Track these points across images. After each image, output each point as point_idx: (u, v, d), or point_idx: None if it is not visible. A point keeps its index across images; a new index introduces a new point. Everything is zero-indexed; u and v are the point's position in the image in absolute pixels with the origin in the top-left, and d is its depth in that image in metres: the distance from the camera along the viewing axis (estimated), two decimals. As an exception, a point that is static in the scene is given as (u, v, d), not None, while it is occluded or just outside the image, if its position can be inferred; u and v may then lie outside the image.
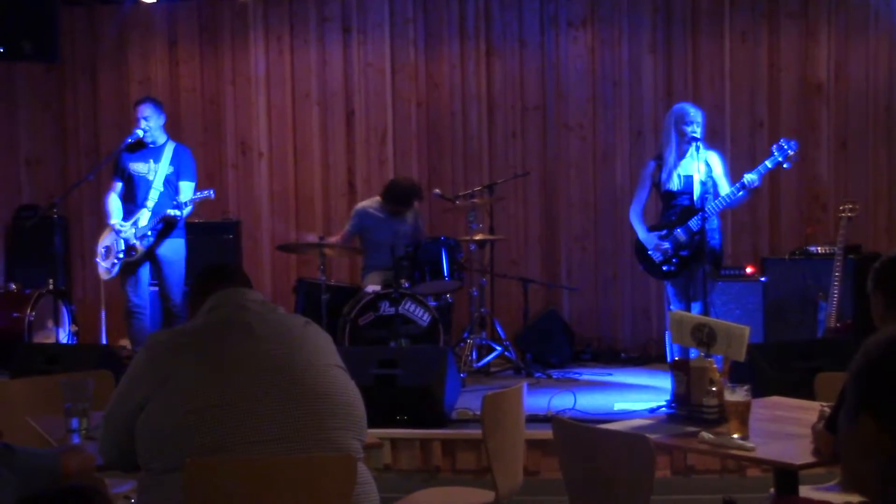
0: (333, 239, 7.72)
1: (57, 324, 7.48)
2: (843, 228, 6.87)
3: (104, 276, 7.26)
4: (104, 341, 8.43)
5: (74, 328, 8.06)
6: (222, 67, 9.12)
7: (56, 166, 9.34)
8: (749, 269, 7.71)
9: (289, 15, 9.02)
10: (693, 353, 3.93)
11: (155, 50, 9.20)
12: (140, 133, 7.15)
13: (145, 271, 7.23)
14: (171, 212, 7.01)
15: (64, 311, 7.92)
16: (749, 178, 6.43)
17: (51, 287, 7.74)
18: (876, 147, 8.26)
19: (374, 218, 7.79)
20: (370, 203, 7.91)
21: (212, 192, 7.19)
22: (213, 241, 8.27)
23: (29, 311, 7.76)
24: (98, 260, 7.29)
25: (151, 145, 7.22)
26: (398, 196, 7.69)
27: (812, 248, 7.62)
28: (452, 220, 8.47)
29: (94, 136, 9.26)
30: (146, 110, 7.19)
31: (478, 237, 7.51)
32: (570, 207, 8.67)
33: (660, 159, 6.75)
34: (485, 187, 7.98)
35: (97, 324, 8.73)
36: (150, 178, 7.15)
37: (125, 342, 7.75)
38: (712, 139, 7.80)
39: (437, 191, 7.94)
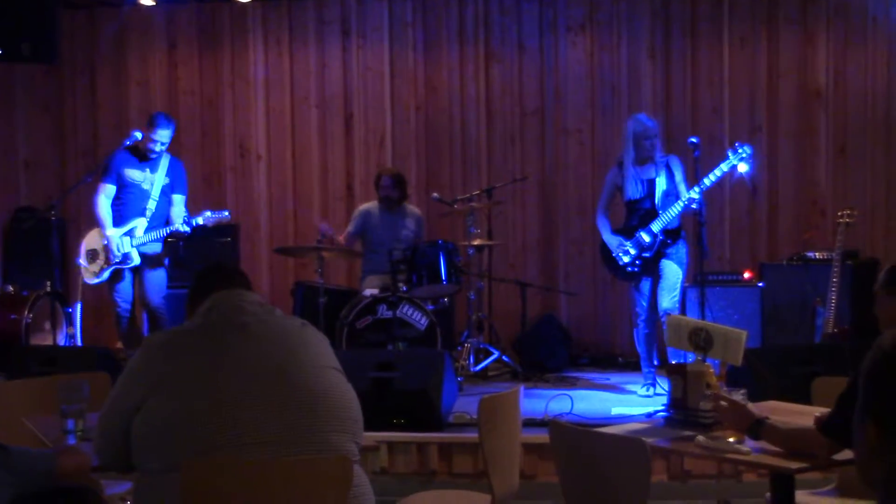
0: (339, 238, 7.80)
1: (54, 326, 7.46)
2: (841, 234, 6.87)
3: (90, 279, 7.24)
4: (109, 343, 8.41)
5: (71, 330, 8.04)
6: (221, 70, 9.12)
7: (54, 168, 9.34)
8: (747, 275, 7.72)
9: (288, 18, 9.02)
10: (688, 357, 3.92)
11: (154, 52, 9.20)
12: (158, 147, 7.12)
13: (129, 275, 7.22)
14: (182, 228, 7.01)
15: (61, 313, 7.91)
16: (692, 193, 6.39)
17: (48, 289, 7.72)
18: (874, 152, 8.27)
19: (375, 218, 7.83)
20: (371, 204, 8.00)
21: (227, 214, 7.19)
22: (212, 244, 8.27)
23: (26, 313, 7.75)
24: (81, 262, 7.26)
25: (149, 154, 7.19)
26: (385, 180, 7.80)
27: (810, 254, 7.63)
28: (451, 223, 8.47)
29: (92, 139, 9.26)
30: (166, 134, 7.13)
31: (476, 241, 7.51)
32: (568, 212, 8.67)
33: (621, 166, 6.79)
34: (483, 191, 8.00)
35: (94, 326, 8.71)
36: (146, 187, 7.13)
37: (119, 344, 7.74)
38: (710, 144, 7.82)
39: (436, 194, 7.95)
